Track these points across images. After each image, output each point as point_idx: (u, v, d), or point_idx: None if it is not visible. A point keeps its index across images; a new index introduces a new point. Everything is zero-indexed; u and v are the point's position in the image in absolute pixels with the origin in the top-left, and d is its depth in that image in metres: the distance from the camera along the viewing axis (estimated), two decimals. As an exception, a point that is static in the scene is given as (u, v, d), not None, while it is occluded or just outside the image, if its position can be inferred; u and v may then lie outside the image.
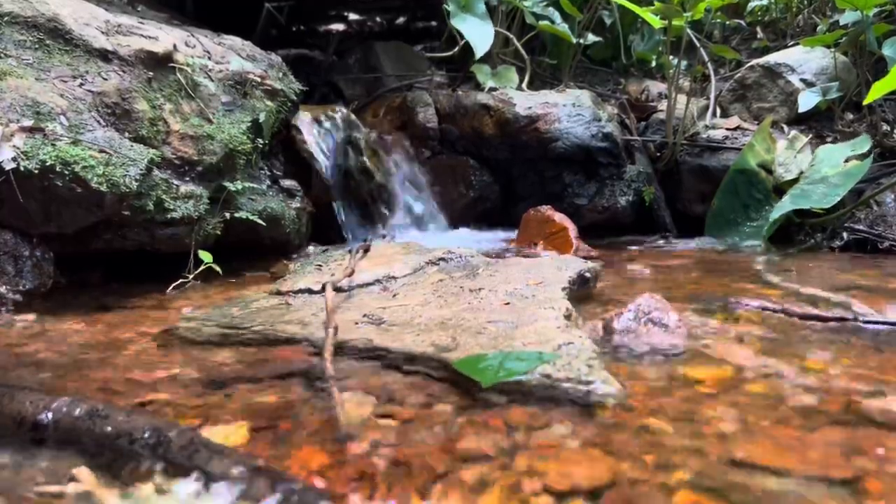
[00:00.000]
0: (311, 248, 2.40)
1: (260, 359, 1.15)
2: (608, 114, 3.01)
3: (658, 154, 3.15)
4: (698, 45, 3.40)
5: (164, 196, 1.81)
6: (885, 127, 2.88)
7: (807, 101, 3.02)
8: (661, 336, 1.21)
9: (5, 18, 1.75)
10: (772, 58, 3.30)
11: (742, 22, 4.22)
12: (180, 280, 1.79)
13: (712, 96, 3.34)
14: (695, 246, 2.65)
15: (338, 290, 1.54)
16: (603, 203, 2.90)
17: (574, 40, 3.40)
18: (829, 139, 2.96)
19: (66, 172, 1.56)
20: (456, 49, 3.27)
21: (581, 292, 1.54)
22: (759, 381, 0.99)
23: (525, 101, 2.90)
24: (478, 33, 2.98)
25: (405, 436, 0.81)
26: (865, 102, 2.45)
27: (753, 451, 0.76)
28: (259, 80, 2.25)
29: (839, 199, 2.45)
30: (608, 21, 3.91)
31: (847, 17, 2.93)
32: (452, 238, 2.80)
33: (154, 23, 2.21)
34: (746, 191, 2.76)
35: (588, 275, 1.57)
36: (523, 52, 3.34)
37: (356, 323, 1.27)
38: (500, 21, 3.35)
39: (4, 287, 1.57)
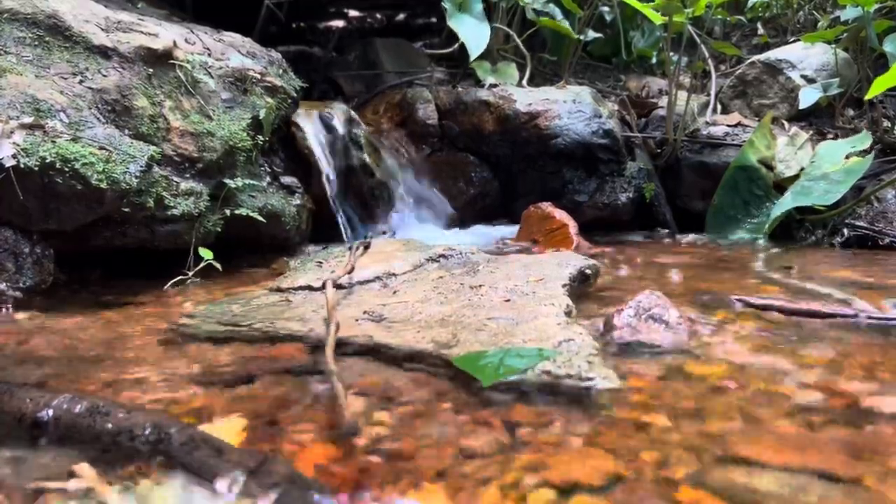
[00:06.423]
0: (311, 245, 2.40)
1: (260, 355, 1.15)
2: (608, 110, 3.01)
3: (658, 150, 3.15)
4: (699, 41, 3.39)
5: (164, 193, 1.80)
6: (886, 123, 2.88)
7: (807, 97, 3.02)
8: (662, 333, 1.21)
9: (5, 15, 1.75)
10: (772, 54, 3.29)
11: (743, 18, 4.21)
12: (180, 277, 1.79)
13: (713, 93, 3.33)
14: (695, 242, 2.65)
15: (338, 286, 1.53)
16: (603, 199, 2.90)
17: (575, 36, 3.40)
18: (829, 135, 2.96)
19: (66, 169, 1.56)
20: (456, 46, 3.27)
21: (581, 289, 1.54)
22: (760, 377, 0.99)
23: (525, 98, 2.90)
24: (473, 34, 2.97)
25: (405, 432, 0.81)
26: (867, 98, 2.45)
27: (755, 448, 0.76)
28: (259, 76, 2.25)
29: (840, 195, 2.45)
30: (608, 17, 3.91)
31: (848, 14, 2.92)
32: (452, 235, 2.79)
33: (154, 19, 2.20)
34: (747, 187, 2.76)
35: (588, 271, 1.57)
36: (523, 48, 3.34)
37: (356, 320, 1.27)
38: (500, 17, 3.35)
39: (4, 284, 1.57)
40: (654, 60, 4.10)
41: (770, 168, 2.76)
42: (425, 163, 2.95)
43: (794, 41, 3.57)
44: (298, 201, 2.35)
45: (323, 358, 1.10)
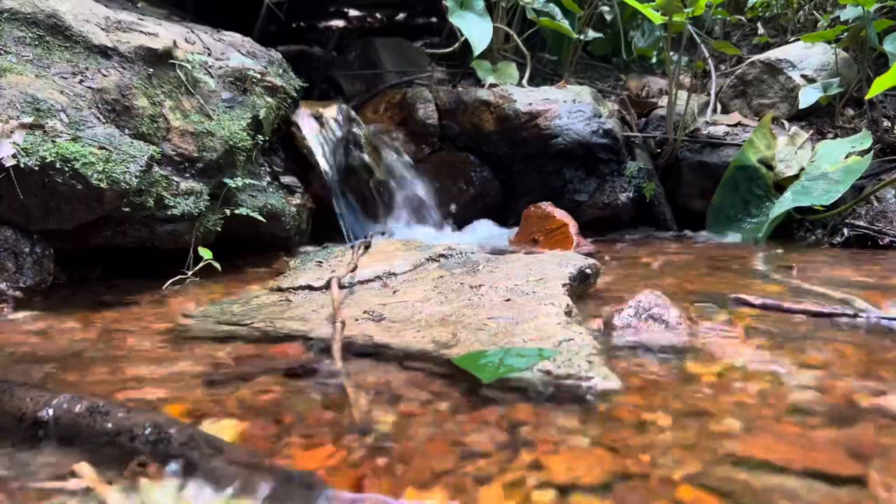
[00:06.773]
0: (311, 245, 2.40)
1: (260, 355, 1.15)
2: (609, 110, 3.01)
3: (658, 150, 3.15)
4: (699, 40, 3.39)
5: (164, 192, 1.80)
6: (886, 123, 2.88)
7: (807, 96, 3.02)
8: (662, 332, 1.21)
9: (5, 15, 1.75)
10: (772, 54, 3.29)
11: (743, 18, 4.21)
12: (180, 276, 1.79)
13: (713, 92, 3.33)
14: (695, 242, 2.65)
15: (339, 286, 1.53)
16: (603, 199, 2.90)
17: (575, 36, 3.40)
18: (829, 135, 2.96)
19: (66, 169, 1.56)
20: (456, 45, 3.27)
21: (581, 289, 1.54)
22: (760, 377, 0.99)
23: (525, 98, 2.90)
24: (476, 30, 2.97)
25: (406, 432, 0.81)
26: (867, 98, 2.45)
27: (755, 447, 0.76)
28: (259, 76, 2.25)
29: (840, 195, 2.45)
30: (608, 17, 3.91)
31: (848, 13, 2.92)
32: (452, 234, 2.80)
33: (154, 19, 2.20)
34: (747, 187, 2.76)
35: (588, 271, 1.57)
36: (524, 48, 3.34)
37: (356, 319, 1.27)
38: (500, 17, 3.35)
39: (5, 283, 1.57)
40: (654, 60, 4.10)
41: (770, 168, 2.77)
42: (425, 162, 2.95)
43: (794, 41, 3.57)
44: (298, 201, 2.35)
45: (323, 358, 1.10)
